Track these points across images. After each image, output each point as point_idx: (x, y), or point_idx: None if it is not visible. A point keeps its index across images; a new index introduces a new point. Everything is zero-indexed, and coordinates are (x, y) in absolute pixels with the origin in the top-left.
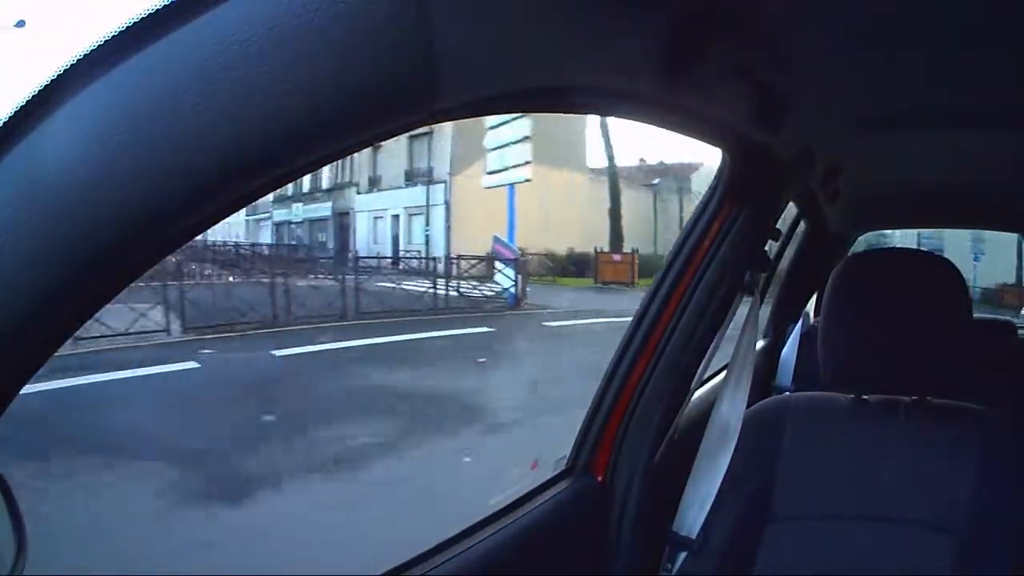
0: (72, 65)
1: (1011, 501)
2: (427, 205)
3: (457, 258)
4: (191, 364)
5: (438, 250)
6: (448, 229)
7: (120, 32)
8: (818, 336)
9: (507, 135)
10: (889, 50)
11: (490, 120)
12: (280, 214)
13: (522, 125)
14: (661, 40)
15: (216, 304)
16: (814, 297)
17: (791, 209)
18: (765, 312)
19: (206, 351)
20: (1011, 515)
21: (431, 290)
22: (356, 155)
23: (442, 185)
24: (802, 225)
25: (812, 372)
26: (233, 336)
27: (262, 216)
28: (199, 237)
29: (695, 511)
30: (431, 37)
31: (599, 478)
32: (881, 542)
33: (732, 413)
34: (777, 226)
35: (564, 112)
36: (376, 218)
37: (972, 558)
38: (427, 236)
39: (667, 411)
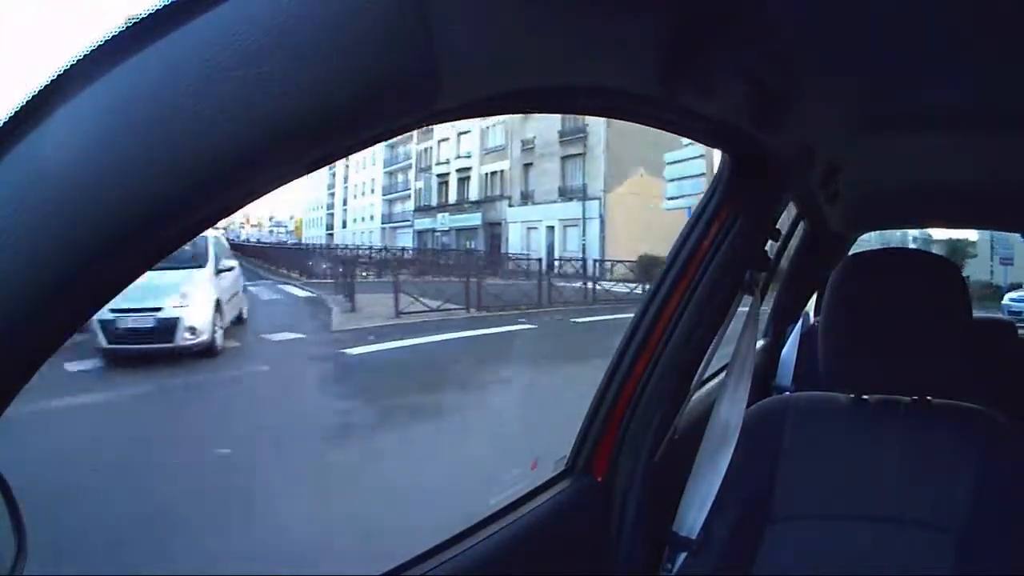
0: (72, 65)
1: (1011, 501)
2: (583, 218)
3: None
4: (527, 326)
5: (592, 256)
6: (603, 239)
7: (120, 32)
8: (818, 336)
9: (685, 170)
10: (889, 50)
11: (669, 156)
12: (423, 223)
13: (698, 164)
14: (661, 40)
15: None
16: (814, 297)
17: (791, 209)
18: (765, 312)
19: (522, 319)
20: (1011, 515)
21: (635, 289)
22: (508, 172)
23: (596, 201)
24: (802, 225)
25: (812, 372)
26: (517, 313)
27: (399, 224)
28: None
29: (695, 511)
30: (431, 37)
31: (599, 478)
32: (881, 542)
33: (732, 413)
34: (777, 226)
35: (564, 112)
36: (529, 228)
37: (972, 558)
38: (583, 245)
39: (667, 411)
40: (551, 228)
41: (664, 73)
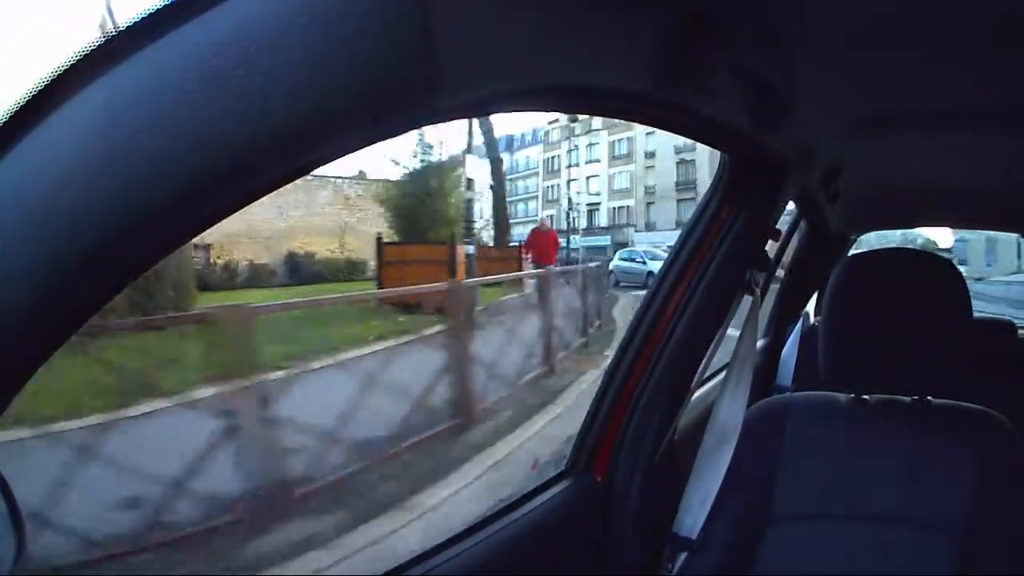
0: (72, 65)
1: (1011, 501)
2: None
3: None
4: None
5: None
6: None
7: (120, 32)
8: (818, 336)
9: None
10: (889, 50)
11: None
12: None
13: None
14: (661, 40)
15: None
16: (814, 297)
17: (791, 209)
18: (765, 312)
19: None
20: (1011, 515)
21: None
22: (633, 208)
23: None
24: (802, 225)
25: (812, 372)
26: None
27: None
28: None
29: (695, 511)
30: (431, 37)
31: (599, 478)
32: (881, 542)
33: (732, 413)
34: (777, 226)
35: (564, 112)
36: (653, 247)
37: (972, 558)
38: None
39: (667, 411)
40: (670, 247)
41: (664, 73)
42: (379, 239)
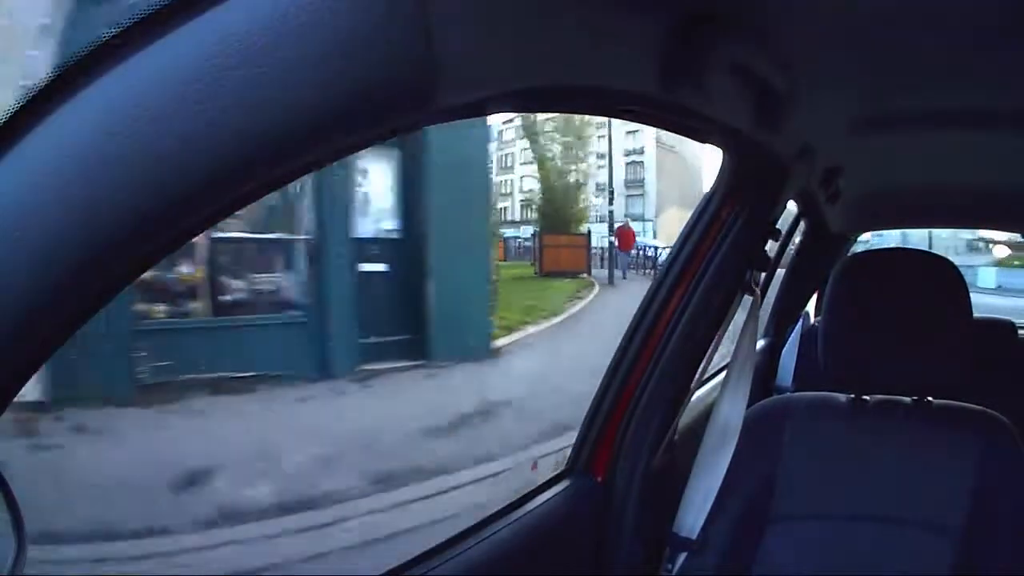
0: (73, 64)
1: (1011, 501)
2: (642, 232)
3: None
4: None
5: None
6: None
7: (121, 31)
8: (818, 336)
9: None
10: (889, 50)
11: None
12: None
13: None
14: (661, 40)
15: None
16: (814, 297)
17: (791, 209)
18: (765, 312)
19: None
20: (1011, 515)
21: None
22: (591, 200)
23: (650, 223)
24: (802, 225)
25: (812, 372)
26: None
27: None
28: None
29: (695, 511)
30: (431, 37)
31: (599, 478)
32: (881, 542)
33: (732, 413)
34: (777, 226)
35: (564, 112)
36: (603, 238)
37: (972, 558)
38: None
39: (667, 411)
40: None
41: (664, 73)
42: (539, 231)
